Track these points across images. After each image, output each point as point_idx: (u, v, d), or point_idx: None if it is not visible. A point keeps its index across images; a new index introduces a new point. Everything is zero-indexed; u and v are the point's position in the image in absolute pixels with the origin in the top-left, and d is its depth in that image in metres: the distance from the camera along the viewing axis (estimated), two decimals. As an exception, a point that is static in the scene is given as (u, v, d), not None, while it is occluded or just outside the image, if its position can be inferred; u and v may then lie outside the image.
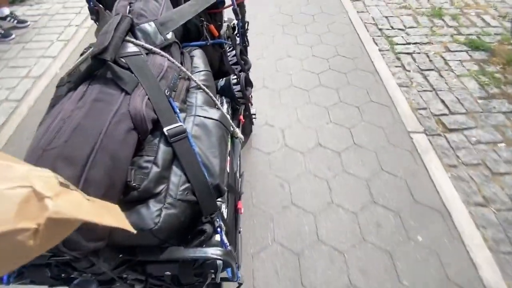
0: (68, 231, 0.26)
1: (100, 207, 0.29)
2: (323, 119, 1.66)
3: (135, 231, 0.31)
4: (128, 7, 0.66)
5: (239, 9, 0.98)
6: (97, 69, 0.50)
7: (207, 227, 0.52)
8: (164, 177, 0.48)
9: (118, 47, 0.50)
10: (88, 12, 0.87)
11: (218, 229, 0.55)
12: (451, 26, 2.27)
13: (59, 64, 2.10)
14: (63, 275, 0.51)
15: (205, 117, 0.57)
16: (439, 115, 1.64)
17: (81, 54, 0.61)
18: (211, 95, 0.63)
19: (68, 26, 2.49)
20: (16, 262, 0.23)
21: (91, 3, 0.82)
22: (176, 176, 0.48)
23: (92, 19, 0.87)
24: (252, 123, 1.46)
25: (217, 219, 0.55)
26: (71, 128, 0.42)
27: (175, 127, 0.50)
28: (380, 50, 2.10)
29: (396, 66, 1.97)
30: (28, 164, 0.26)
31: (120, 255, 0.48)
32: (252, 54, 1.37)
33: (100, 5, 0.77)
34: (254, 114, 1.44)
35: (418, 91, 1.79)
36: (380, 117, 1.64)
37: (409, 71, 1.94)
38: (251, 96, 1.17)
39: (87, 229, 0.30)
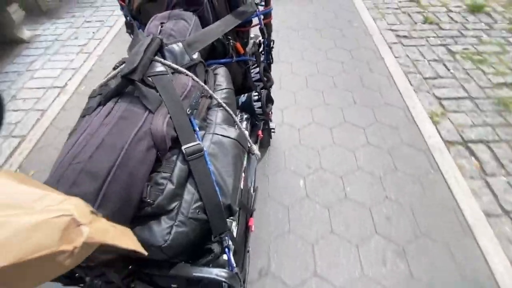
0: (93, 249, 0.29)
1: (120, 232, 0.33)
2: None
3: (146, 253, 0.34)
4: (160, 27, 0.69)
5: (266, 28, 0.99)
6: (125, 87, 0.53)
7: (215, 247, 0.53)
8: (177, 195, 0.48)
9: (146, 67, 0.53)
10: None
11: (226, 249, 0.55)
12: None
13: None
14: (76, 275, 0.53)
15: (223, 135, 0.57)
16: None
17: (114, 68, 0.64)
18: (231, 113, 0.64)
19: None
20: (50, 276, 0.26)
21: (128, 18, 0.87)
22: (189, 194, 0.49)
23: (127, 32, 0.92)
24: (270, 137, 1.48)
25: (226, 239, 0.55)
26: (96, 144, 0.44)
27: (193, 146, 0.50)
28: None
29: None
30: (62, 193, 0.30)
31: (130, 267, 0.50)
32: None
33: (135, 21, 0.83)
34: (273, 128, 1.46)
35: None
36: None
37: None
38: (271, 112, 1.17)
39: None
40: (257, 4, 0.91)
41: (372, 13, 2.80)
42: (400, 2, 2.95)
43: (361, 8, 2.88)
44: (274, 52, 1.15)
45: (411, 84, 2.01)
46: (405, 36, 2.48)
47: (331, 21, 2.72)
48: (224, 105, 0.63)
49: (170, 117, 0.51)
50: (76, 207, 0.27)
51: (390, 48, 2.35)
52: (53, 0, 3.37)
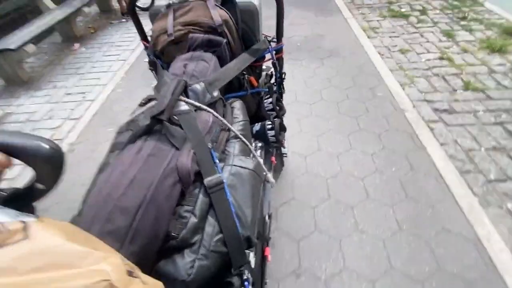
0: None
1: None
2: None
3: None
4: (183, 68, 0.74)
5: (278, 62, 1.04)
6: (154, 126, 0.56)
7: (235, 280, 0.54)
8: (200, 227, 0.49)
9: (172, 108, 0.57)
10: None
11: (246, 283, 0.57)
12: None
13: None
14: None
15: (241, 166, 0.59)
16: None
17: (140, 104, 0.70)
18: (248, 143, 0.65)
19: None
20: None
21: (151, 56, 0.91)
22: (210, 226, 0.50)
23: (149, 69, 0.95)
24: (282, 163, 1.52)
25: (245, 271, 0.57)
26: (128, 181, 0.47)
27: (214, 178, 0.52)
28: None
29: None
30: (104, 247, 0.34)
31: None
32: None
33: (158, 60, 0.87)
34: (285, 153, 1.52)
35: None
36: None
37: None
38: (284, 140, 1.22)
39: None
40: (269, 41, 0.96)
41: (397, 77, 2.34)
42: (428, 60, 2.50)
43: (383, 70, 2.43)
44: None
45: (473, 193, 1.47)
46: (446, 110, 1.98)
47: (350, 89, 2.26)
48: (241, 136, 0.65)
49: (194, 152, 0.54)
50: (114, 269, 0.29)
51: (431, 130, 1.84)
52: (38, 66, 3.11)
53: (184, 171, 0.50)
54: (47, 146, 0.40)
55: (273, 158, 1.20)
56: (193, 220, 0.49)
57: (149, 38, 0.93)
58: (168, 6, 0.86)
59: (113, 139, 0.62)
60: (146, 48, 0.98)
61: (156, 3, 0.93)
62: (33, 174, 0.42)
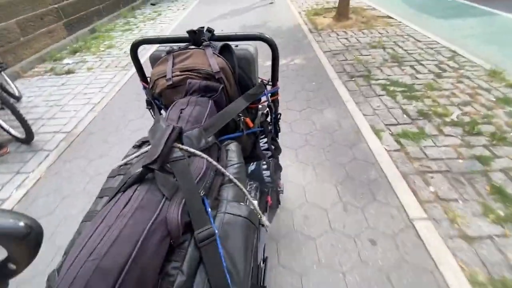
0: None
1: None
2: None
3: None
4: (179, 113, 0.74)
5: (273, 104, 1.06)
6: (146, 175, 0.55)
7: None
8: (188, 287, 0.47)
9: (166, 156, 0.56)
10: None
11: None
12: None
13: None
14: None
15: (234, 214, 0.58)
16: None
17: (134, 146, 0.70)
18: (242, 187, 0.64)
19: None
20: None
21: (149, 97, 0.94)
22: (199, 284, 0.48)
23: (147, 108, 0.98)
24: (279, 201, 1.45)
25: None
26: (112, 238, 0.44)
27: (205, 230, 0.51)
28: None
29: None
30: None
31: None
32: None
33: (156, 101, 0.91)
34: (281, 190, 1.46)
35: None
36: None
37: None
38: (280, 179, 1.20)
39: None
40: (265, 85, 0.98)
41: (411, 183, 1.81)
42: (445, 147, 2.28)
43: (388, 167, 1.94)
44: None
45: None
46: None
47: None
48: (236, 180, 0.64)
49: (185, 202, 0.53)
50: None
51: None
52: None
53: (173, 224, 0.48)
54: (23, 224, 0.38)
55: (269, 198, 1.17)
56: (180, 278, 0.46)
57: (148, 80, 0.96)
58: (169, 52, 0.89)
59: (104, 183, 0.61)
60: (144, 88, 1.03)
61: (159, 48, 0.99)
62: (5, 254, 0.38)
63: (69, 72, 3.79)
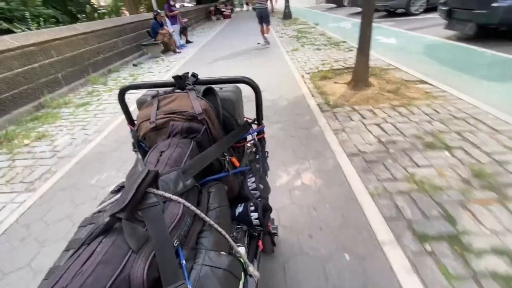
0: None
1: None
2: None
3: None
4: (159, 155, 0.71)
5: (260, 142, 1.07)
6: (112, 225, 0.50)
7: None
8: None
9: (137, 203, 0.52)
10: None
11: None
12: None
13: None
14: None
15: (212, 266, 0.53)
16: None
17: (112, 192, 0.68)
18: (224, 233, 0.61)
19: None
20: None
21: (134, 139, 0.93)
22: None
23: (133, 151, 0.96)
24: (273, 243, 1.37)
25: None
26: None
27: (177, 287, 0.46)
28: None
29: None
30: None
31: None
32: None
33: (141, 143, 0.90)
34: (276, 232, 1.42)
35: None
36: None
37: None
38: (270, 221, 1.20)
39: None
40: (250, 124, 0.97)
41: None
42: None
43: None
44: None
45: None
46: None
47: None
48: (216, 226, 0.60)
49: (154, 254, 0.47)
50: None
51: None
52: None
53: (136, 282, 0.44)
54: None
55: (260, 243, 1.10)
56: None
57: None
58: (154, 96, 0.88)
59: (74, 233, 0.58)
60: (131, 131, 0.99)
61: (147, 93, 0.98)
62: None
63: None
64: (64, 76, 4.95)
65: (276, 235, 1.42)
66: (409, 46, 5.68)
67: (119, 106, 4.27)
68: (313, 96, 3.65)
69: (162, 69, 6.14)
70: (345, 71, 4.54)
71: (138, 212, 0.51)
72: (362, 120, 2.84)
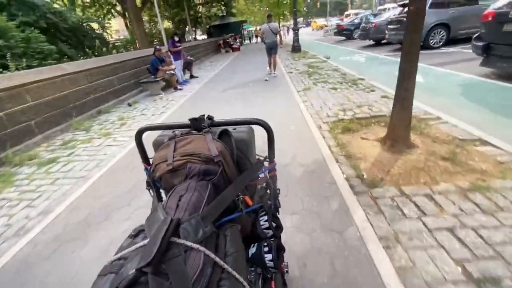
0: None
1: None
2: None
3: None
4: (178, 200, 0.73)
5: (271, 180, 1.07)
6: (139, 279, 0.50)
7: None
8: None
9: (162, 254, 0.52)
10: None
11: None
12: None
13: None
14: None
15: None
16: None
17: (129, 236, 0.67)
18: (242, 280, 0.61)
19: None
20: None
21: (149, 178, 0.94)
22: None
23: (146, 188, 0.98)
24: (285, 283, 1.29)
25: None
26: None
27: None
28: None
29: None
30: None
31: None
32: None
33: (156, 183, 0.91)
34: (287, 270, 1.41)
35: None
36: None
37: None
38: (284, 263, 1.22)
39: None
40: (262, 162, 0.99)
41: None
42: None
43: None
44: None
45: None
46: None
47: None
48: (235, 273, 0.60)
49: None
50: None
51: None
52: None
53: None
54: None
55: (273, 283, 1.09)
56: None
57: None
58: (171, 138, 0.90)
59: (93, 284, 0.55)
60: (146, 169, 1.04)
61: (163, 133, 1.02)
62: None
63: None
64: (39, 123, 4.26)
65: (287, 273, 1.40)
66: (442, 86, 4.81)
67: (89, 165, 3.22)
68: (337, 161, 2.72)
69: (157, 111, 5.44)
70: (373, 120, 3.65)
71: (162, 265, 0.51)
72: (421, 217, 1.84)
